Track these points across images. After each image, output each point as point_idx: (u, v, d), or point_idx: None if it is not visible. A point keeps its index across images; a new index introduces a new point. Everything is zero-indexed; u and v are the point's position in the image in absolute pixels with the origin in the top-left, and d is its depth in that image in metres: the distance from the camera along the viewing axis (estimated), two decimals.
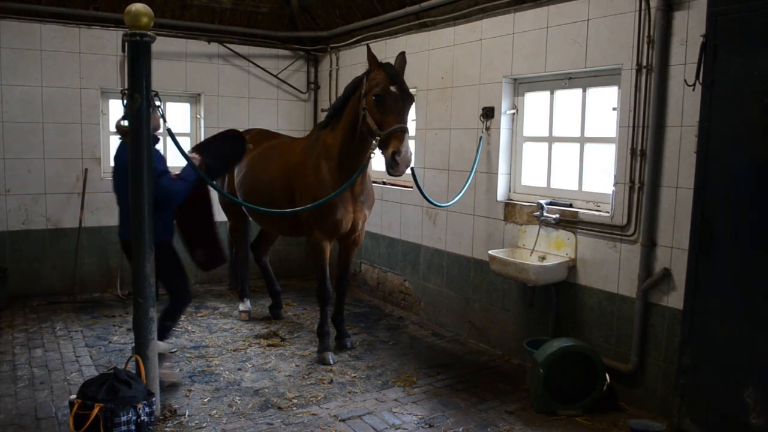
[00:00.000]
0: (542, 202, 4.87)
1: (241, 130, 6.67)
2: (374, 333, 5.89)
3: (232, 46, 7.51)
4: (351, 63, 7.42)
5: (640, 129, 4.21)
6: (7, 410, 3.98)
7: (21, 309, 6.25)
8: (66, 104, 6.64)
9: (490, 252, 4.96)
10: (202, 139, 7.45)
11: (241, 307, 6.26)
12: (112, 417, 3.36)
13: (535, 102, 5.31)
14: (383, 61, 4.60)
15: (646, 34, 4.13)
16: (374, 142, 4.47)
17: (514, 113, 5.39)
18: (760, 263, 3.16)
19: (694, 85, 3.50)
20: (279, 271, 7.36)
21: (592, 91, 4.78)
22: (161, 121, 4.02)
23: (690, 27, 3.90)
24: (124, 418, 3.39)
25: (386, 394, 4.46)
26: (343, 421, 4.00)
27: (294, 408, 4.18)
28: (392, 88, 4.40)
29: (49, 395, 4.24)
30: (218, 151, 4.95)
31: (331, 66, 7.81)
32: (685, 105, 3.95)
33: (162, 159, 4.33)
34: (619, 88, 4.39)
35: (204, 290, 7.29)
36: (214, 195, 7.07)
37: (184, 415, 4.02)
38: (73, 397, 3.53)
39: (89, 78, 6.73)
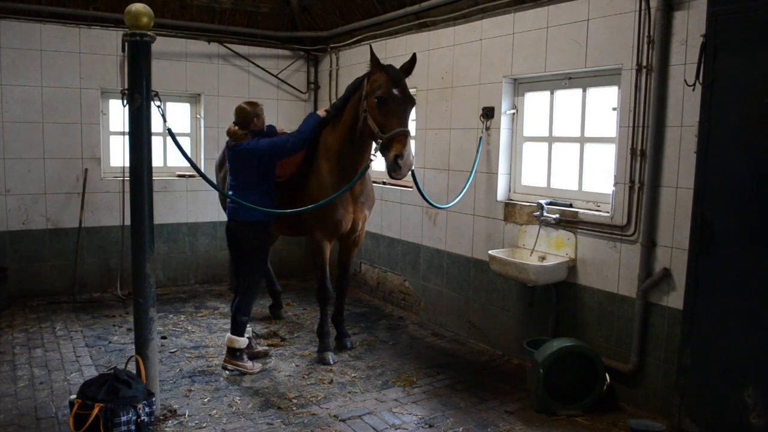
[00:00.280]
0: (542, 202, 4.87)
1: None
2: (374, 333, 5.89)
3: (232, 46, 7.51)
4: (351, 63, 7.42)
5: (640, 129, 4.21)
6: (7, 410, 3.98)
7: (21, 309, 6.25)
8: (66, 104, 6.64)
9: (490, 252, 4.96)
10: (203, 139, 7.47)
11: None
12: (112, 417, 3.36)
13: (535, 102, 5.31)
14: (385, 63, 4.60)
15: (646, 34, 4.13)
16: (375, 144, 4.47)
17: (514, 113, 5.39)
18: (760, 263, 3.16)
19: (694, 85, 3.50)
20: (279, 271, 7.36)
21: (592, 91, 4.78)
22: (162, 120, 4.01)
23: (690, 27, 3.90)
24: (124, 418, 3.40)
25: (386, 394, 4.46)
26: (343, 421, 4.00)
27: (294, 408, 4.18)
28: (394, 91, 4.39)
29: (49, 395, 4.24)
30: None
31: (331, 66, 7.82)
32: (685, 105, 3.95)
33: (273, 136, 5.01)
34: (619, 88, 4.39)
35: (204, 290, 7.30)
36: (214, 195, 7.06)
37: (184, 415, 4.02)
38: (73, 397, 3.53)
39: (89, 78, 6.73)
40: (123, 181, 6.73)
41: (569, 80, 4.89)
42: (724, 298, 3.32)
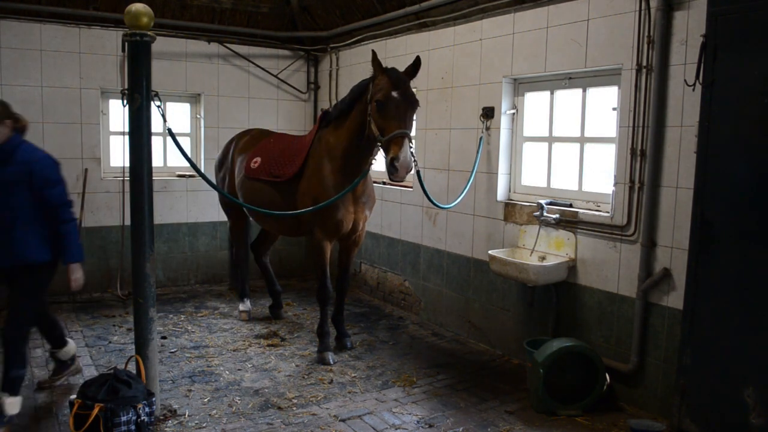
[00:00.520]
0: (542, 202, 4.87)
1: (241, 130, 6.72)
2: (374, 333, 5.89)
3: (232, 46, 7.51)
4: (351, 63, 7.42)
5: (640, 129, 4.21)
6: None
7: None
8: (66, 104, 6.64)
9: (490, 252, 4.96)
10: (203, 139, 7.47)
11: (241, 307, 6.26)
12: (112, 417, 3.37)
13: (535, 102, 5.31)
14: (387, 66, 4.59)
15: (646, 34, 4.13)
16: (377, 147, 4.48)
17: (514, 113, 5.39)
18: (761, 263, 3.16)
19: (694, 85, 3.50)
20: (279, 271, 7.36)
21: (592, 91, 4.78)
22: (162, 120, 4.02)
23: (690, 27, 3.90)
24: (124, 418, 3.40)
25: (386, 394, 4.46)
26: (343, 421, 4.00)
27: (294, 408, 4.18)
28: (394, 94, 4.38)
29: (49, 395, 4.24)
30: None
31: (331, 66, 7.82)
32: (685, 105, 3.95)
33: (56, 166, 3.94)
34: (619, 88, 4.39)
35: (204, 290, 7.30)
36: (214, 195, 7.08)
37: (184, 415, 4.02)
38: (73, 397, 3.54)
39: (89, 78, 6.73)
40: (123, 181, 6.73)
41: (569, 80, 4.89)
42: (724, 298, 3.32)
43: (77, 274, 3.98)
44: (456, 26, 5.80)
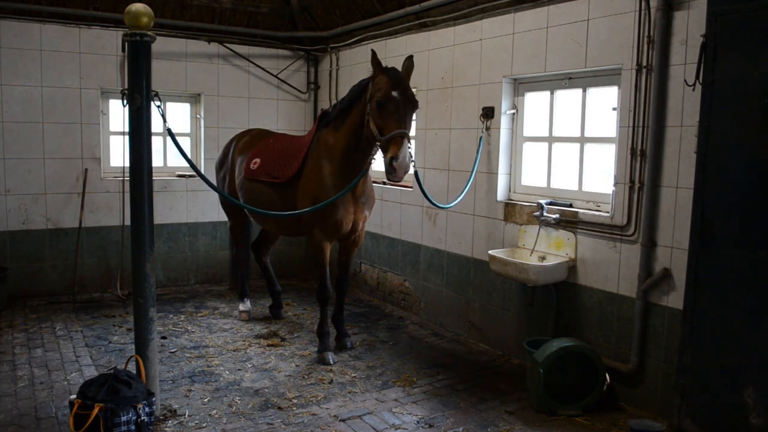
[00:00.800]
0: (542, 202, 4.87)
1: (241, 130, 6.72)
2: (374, 333, 5.89)
3: (232, 46, 7.51)
4: (351, 63, 7.42)
5: (640, 129, 4.21)
6: (7, 410, 3.98)
7: (21, 309, 6.25)
8: (66, 104, 6.64)
9: (490, 252, 4.96)
10: (203, 139, 7.47)
11: (241, 307, 6.26)
12: (112, 417, 3.37)
13: (535, 102, 5.31)
14: (387, 66, 4.59)
15: (646, 34, 4.13)
16: (376, 147, 4.48)
17: (514, 113, 5.39)
18: (760, 263, 3.16)
19: (694, 85, 3.50)
20: (279, 271, 7.37)
21: (592, 91, 4.78)
22: (162, 120, 4.02)
23: (690, 27, 3.90)
24: (124, 418, 3.40)
25: (386, 394, 4.46)
26: (343, 421, 4.00)
27: (294, 408, 4.19)
28: (393, 93, 4.37)
29: (49, 395, 4.24)
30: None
31: (331, 66, 7.82)
32: (685, 105, 3.95)
33: None
34: (619, 88, 4.39)
35: (204, 290, 7.30)
36: (214, 195, 7.08)
37: (184, 415, 4.02)
38: (73, 397, 3.53)
39: (89, 78, 6.73)
40: (123, 181, 6.73)
41: (569, 80, 4.89)
42: (724, 298, 3.32)
43: None
44: (456, 26, 5.80)
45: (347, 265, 5.48)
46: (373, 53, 4.61)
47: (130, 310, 6.08)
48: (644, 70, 4.17)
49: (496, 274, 4.91)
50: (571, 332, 4.70)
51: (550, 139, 5.16)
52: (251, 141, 6.01)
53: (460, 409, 4.24)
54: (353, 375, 4.81)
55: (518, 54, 5.14)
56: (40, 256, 6.67)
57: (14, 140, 6.43)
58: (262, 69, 7.73)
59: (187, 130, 7.60)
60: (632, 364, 4.26)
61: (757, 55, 3.13)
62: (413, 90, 4.63)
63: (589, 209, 4.73)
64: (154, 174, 3.95)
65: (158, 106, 3.88)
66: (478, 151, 5.40)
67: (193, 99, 7.56)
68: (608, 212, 4.50)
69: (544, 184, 5.20)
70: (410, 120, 4.48)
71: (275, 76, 7.84)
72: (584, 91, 4.80)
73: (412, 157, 4.40)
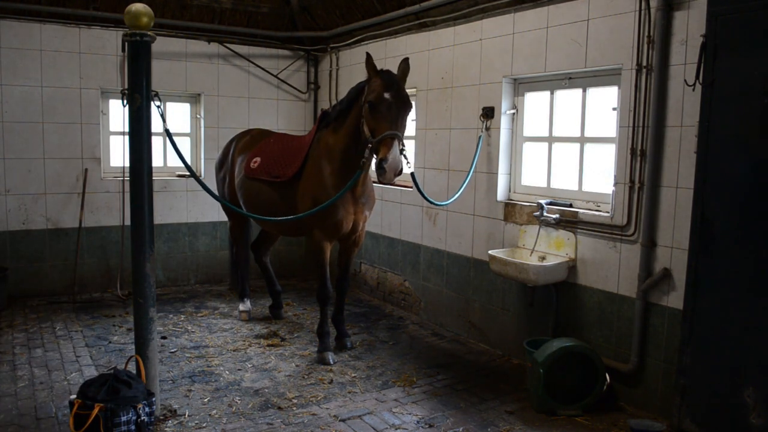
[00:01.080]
0: (542, 202, 4.87)
1: (241, 130, 6.72)
2: (374, 333, 5.89)
3: (232, 46, 7.51)
4: (351, 63, 7.42)
5: (640, 129, 4.21)
6: (7, 410, 3.98)
7: (21, 309, 6.25)
8: (66, 104, 6.64)
9: (490, 252, 4.96)
10: (203, 139, 7.47)
11: (241, 307, 6.26)
12: (112, 417, 3.37)
13: (535, 102, 5.31)
14: (382, 68, 4.59)
15: (646, 34, 4.13)
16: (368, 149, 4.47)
17: (514, 113, 5.39)
18: (761, 263, 3.16)
19: (694, 85, 3.50)
20: (279, 271, 7.36)
21: (592, 91, 4.78)
22: (161, 120, 4.02)
23: (690, 27, 3.90)
24: (124, 418, 3.40)
25: (386, 394, 4.46)
26: (343, 421, 4.00)
27: (294, 408, 4.19)
28: (385, 95, 4.37)
29: (49, 395, 4.24)
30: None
31: (331, 66, 7.82)
32: (685, 105, 3.95)
33: None
34: (619, 88, 4.39)
35: (204, 290, 7.30)
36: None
37: (184, 415, 4.02)
38: (73, 397, 3.53)
39: (89, 78, 6.73)
40: (123, 181, 6.74)
41: (569, 80, 4.89)
42: (724, 298, 3.32)
43: None
44: (456, 26, 5.80)
45: (347, 265, 5.48)
46: (368, 56, 4.61)
47: (130, 310, 6.08)
48: (644, 70, 4.17)
49: (496, 274, 4.91)
50: (571, 332, 4.70)
51: (550, 139, 5.16)
52: (251, 141, 6.01)
53: (460, 409, 4.24)
54: (353, 375, 4.81)
55: (518, 54, 5.14)
56: (40, 256, 6.67)
57: (14, 140, 6.43)
58: (262, 69, 7.73)
59: (187, 130, 7.60)
60: (632, 364, 4.26)
61: (757, 55, 3.13)
62: (410, 91, 4.61)
63: (589, 209, 4.73)
64: (154, 174, 3.95)
65: (158, 107, 3.88)
66: (476, 150, 5.40)
67: (193, 99, 7.56)
68: (608, 212, 4.50)
69: (544, 184, 5.20)
70: (403, 122, 4.46)
71: (275, 76, 7.84)
72: (584, 91, 4.80)
73: (407, 159, 4.38)
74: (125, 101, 3.77)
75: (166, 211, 7.19)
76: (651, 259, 4.17)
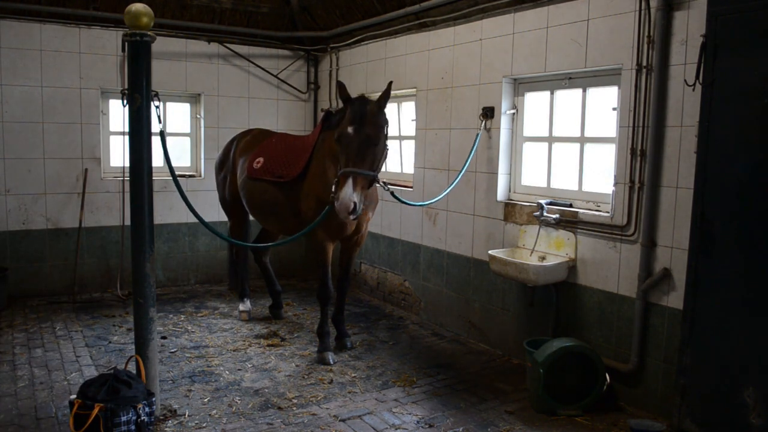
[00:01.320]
0: (542, 202, 4.87)
1: (241, 130, 6.72)
2: (374, 333, 5.89)
3: (232, 46, 7.51)
4: (351, 63, 7.42)
5: (640, 129, 4.21)
6: (7, 410, 3.98)
7: (21, 309, 6.25)
8: (66, 104, 6.64)
9: (490, 252, 4.96)
10: (203, 139, 7.47)
11: (241, 307, 6.26)
12: (112, 417, 3.37)
13: (535, 102, 5.31)
14: (355, 97, 4.51)
15: (646, 34, 4.13)
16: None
17: (514, 113, 5.39)
18: (760, 263, 3.16)
19: (694, 85, 3.50)
20: (279, 271, 7.36)
21: (592, 91, 4.78)
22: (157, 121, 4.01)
23: (690, 27, 3.90)
24: (124, 418, 3.40)
25: (386, 394, 4.46)
26: (343, 421, 4.00)
27: (294, 408, 4.18)
28: (348, 129, 4.33)
29: (49, 395, 4.24)
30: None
31: (331, 66, 7.82)
32: (685, 105, 3.95)
33: None
34: (619, 88, 4.39)
35: (204, 290, 7.30)
36: (214, 195, 7.07)
37: (184, 415, 4.02)
38: (73, 397, 3.54)
39: (89, 78, 6.73)
40: (123, 181, 6.74)
41: (569, 80, 4.89)
42: (724, 298, 3.32)
43: None
44: (456, 26, 5.80)
45: (348, 266, 5.48)
46: (340, 85, 4.52)
47: (130, 310, 6.08)
48: (644, 70, 4.17)
49: (496, 274, 4.91)
50: (571, 332, 4.70)
51: (550, 139, 5.16)
52: (253, 141, 6.01)
53: (460, 409, 4.24)
54: (353, 375, 4.81)
55: (518, 54, 5.14)
56: (40, 256, 6.67)
57: (14, 140, 6.43)
58: (262, 69, 7.73)
59: (187, 130, 7.60)
60: (632, 364, 4.26)
61: (757, 55, 3.13)
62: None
63: (589, 209, 4.73)
64: (154, 174, 3.95)
65: (157, 107, 3.87)
66: (473, 146, 5.40)
67: (193, 99, 7.56)
68: (608, 212, 4.50)
69: (544, 184, 5.20)
70: (366, 156, 4.33)
71: (275, 76, 7.84)
72: (584, 91, 4.80)
73: (381, 184, 4.42)
74: (125, 101, 3.77)
75: (166, 211, 7.19)
76: (651, 259, 4.17)
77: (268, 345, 5.43)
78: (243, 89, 7.66)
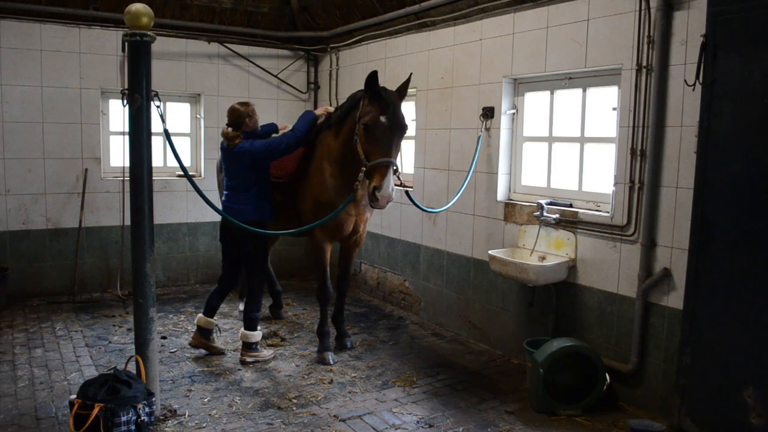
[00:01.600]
0: (542, 202, 4.87)
1: None
2: (374, 333, 5.89)
3: (232, 46, 7.51)
4: (351, 63, 7.42)
5: (640, 129, 4.21)
6: (7, 410, 3.98)
7: (21, 309, 6.25)
8: (66, 104, 6.64)
9: (490, 252, 4.96)
10: (203, 139, 7.47)
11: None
12: (112, 417, 3.37)
13: (535, 102, 5.31)
14: (380, 87, 4.43)
15: (646, 34, 4.13)
16: (361, 170, 4.42)
17: (514, 113, 5.39)
18: (760, 263, 3.16)
19: (694, 85, 3.50)
20: (279, 271, 7.36)
21: (592, 91, 4.78)
22: (160, 121, 4.01)
23: (690, 27, 3.90)
24: (124, 418, 3.40)
25: (386, 394, 4.46)
26: (343, 421, 4.00)
27: (294, 408, 4.19)
28: (381, 119, 4.27)
29: (49, 395, 4.24)
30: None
31: (331, 66, 7.82)
32: (685, 105, 3.95)
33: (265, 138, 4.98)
34: (619, 88, 4.39)
35: (204, 290, 7.29)
36: (214, 195, 7.08)
37: (184, 415, 4.02)
38: (73, 397, 3.54)
39: (89, 78, 6.73)
40: (123, 181, 6.73)
41: (569, 80, 4.89)
42: (724, 298, 3.32)
43: None
44: (456, 26, 5.80)
45: (348, 266, 5.48)
46: (373, 75, 4.35)
47: (130, 310, 6.08)
48: (644, 70, 4.17)
49: (496, 274, 4.92)
50: (571, 332, 4.70)
51: (550, 139, 5.16)
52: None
53: (460, 409, 4.24)
54: (353, 375, 4.81)
55: (518, 54, 5.14)
56: (40, 256, 6.67)
57: (14, 140, 6.43)
58: (262, 69, 7.73)
59: (187, 130, 7.59)
60: (632, 364, 4.26)
61: (757, 55, 3.13)
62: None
63: (589, 209, 4.73)
64: (154, 174, 3.95)
65: (158, 107, 3.87)
66: (476, 150, 5.40)
67: (193, 99, 7.56)
68: (608, 212, 4.50)
69: (544, 184, 5.20)
70: (398, 146, 4.39)
71: (275, 76, 7.84)
72: (584, 91, 4.80)
73: (400, 180, 4.36)
74: (125, 101, 3.77)
75: (166, 211, 7.19)
76: (651, 259, 4.17)
77: (268, 345, 5.43)
78: (243, 89, 7.66)
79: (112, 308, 6.41)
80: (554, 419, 4.12)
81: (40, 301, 6.54)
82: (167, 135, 4.13)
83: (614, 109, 4.45)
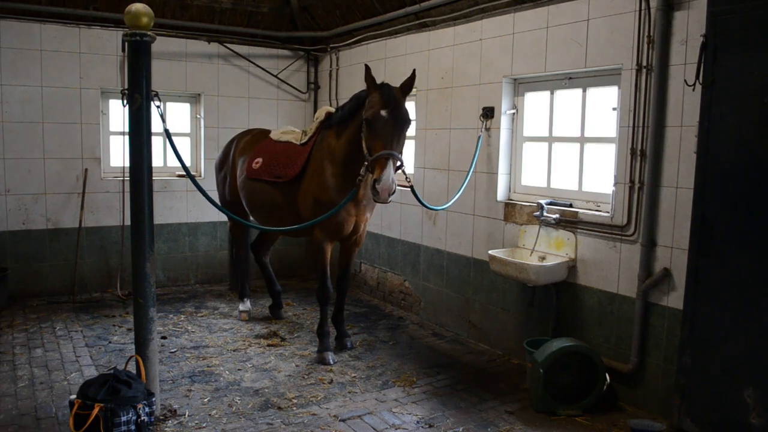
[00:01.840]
0: (542, 202, 4.87)
1: (241, 130, 6.72)
2: (374, 333, 5.89)
3: (232, 46, 7.51)
4: (351, 63, 7.42)
5: (640, 129, 4.21)
6: (7, 410, 3.98)
7: (21, 309, 6.25)
8: (66, 104, 6.64)
9: (490, 252, 4.97)
10: (203, 139, 7.47)
11: (241, 307, 6.26)
12: (112, 417, 3.37)
13: (535, 102, 5.31)
14: (381, 82, 4.50)
15: (646, 34, 4.13)
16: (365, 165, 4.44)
17: (514, 113, 5.39)
18: (761, 263, 3.16)
19: (694, 85, 3.50)
20: (279, 271, 7.36)
21: (592, 91, 4.78)
22: (161, 121, 4.02)
23: (690, 27, 3.90)
24: (124, 418, 3.40)
25: (386, 394, 4.46)
26: (343, 421, 4.00)
27: (294, 408, 4.19)
28: (382, 113, 4.30)
29: (49, 395, 4.24)
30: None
31: (331, 66, 7.82)
32: (685, 105, 3.95)
33: None
34: (619, 88, 4.39)
35: (204, 290, 7.30)
36: (214, 195, 7.09)
37: (184, 415, 4.02)
38: (73, 397, 3.54)
39: (89, 78, 6.73)
40: (123, 181, 6.73)
41: (569, 80, 4.89)
42: (724, 298, 3.32)
43: None
44: (456, 26, 5.80)
45: (348, 266, 5.48)
46: (367, 69, 4.49)
47: (130, 310, 6.08)
48: (644, 70, 4.17)
49: (496, 274, 4.92)
50: (571, 332, 4.70)
51: (550, 139, 5.16)
52: (252, 141, 6.01)
53: (460, 409, 4.24)
54: (353, 375, 4.81)
55: (518, 54, 5.14)
56: (40, 256, 6.67)
57: (14, 140, 6.43)
58: (262, 69, 7.73)
59: (187, 130, 7.59)
60: (632, 364, 4.26)
61: (757, 55, 3.13)
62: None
63: (589, 209, 4.73)
64: (154, 174, 3.95)
65: (158, 107, 3.87)
66: (476, 149, 5.40)
67: (193, 99, 7.56)
68: (608, 212, 4.50)
69: (544, 184, 5.20)
70: (400, 140, 4.38)
71: (275, 76, 7.84)
72: (584, 91, 4.80)
73: (405, 174, 4.35)
74: (125, 101, 3.77)
75: (166, 211, 7.19)
76: (651, 259, 4.17)
77: (268, 345, 5.43)
78: (243, 89, 7.66)
79: (112, 308, 6.41)
80: (554, 419, 4.12)
81: (40, 301, 6.54)
82: (168, 135, 4.13)
83: (614, 109, 4.45)
